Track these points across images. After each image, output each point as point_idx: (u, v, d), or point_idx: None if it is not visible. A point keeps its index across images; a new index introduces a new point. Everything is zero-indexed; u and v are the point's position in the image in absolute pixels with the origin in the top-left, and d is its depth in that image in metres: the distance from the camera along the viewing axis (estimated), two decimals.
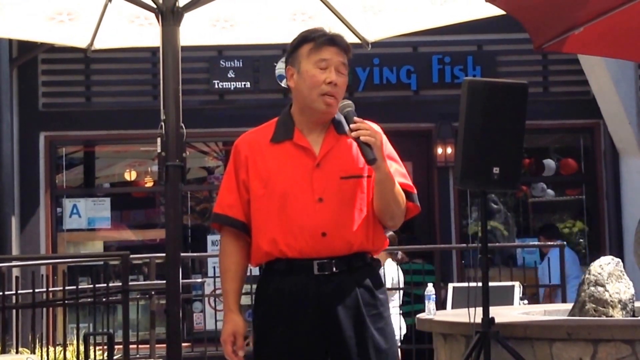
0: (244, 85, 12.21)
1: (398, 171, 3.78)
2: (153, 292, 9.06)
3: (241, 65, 12.19)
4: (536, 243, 12.09)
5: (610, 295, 5.75)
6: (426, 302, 6.47)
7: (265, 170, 3.74)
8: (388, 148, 3.81)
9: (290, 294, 3.67)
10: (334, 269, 3.66)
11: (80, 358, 6.78)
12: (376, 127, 3.77)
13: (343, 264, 3.68)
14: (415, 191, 3.82)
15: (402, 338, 9.66)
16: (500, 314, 5.53)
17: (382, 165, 3.64)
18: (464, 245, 11.65)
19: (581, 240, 13.00)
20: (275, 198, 3.70)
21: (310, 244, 3.65)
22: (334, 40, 3.77)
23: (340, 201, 3.69)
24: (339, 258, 3.67)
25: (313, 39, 3.78)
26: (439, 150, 12.23)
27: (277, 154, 3.75)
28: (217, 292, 9.86)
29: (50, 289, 7.45)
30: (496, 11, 5.23)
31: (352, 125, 3.64)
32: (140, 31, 5.91)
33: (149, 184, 13.08)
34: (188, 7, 5.06)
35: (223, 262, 3.82)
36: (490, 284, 5.34)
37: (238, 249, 3.80)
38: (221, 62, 12.18)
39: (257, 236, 3.75)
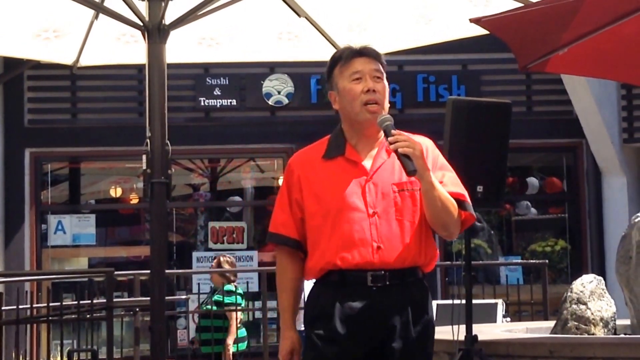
0: (230, 102, 12.22)
1: (451, 180, 3.81)
2: (137, 309, 9.05)
3: (227, 82, 12.20)
4: (519, 261, 12.12)
5: (592, 313, 5.78)
6: None
7: (318, 186, 3.78)
8: (440, 159, 3.85)
9: (343, 305, 3.69)
10: (387, 281, 3.69)
11: None
12: (422, 139, 3.83)
13: (396, 277, 3.71)
14: (468, 200, 3.83)
15: None
16: (483, 331, 5.55)
17: (425, 175, 3.66)
18: (448, 262, 11.68)
19: (563, 258, 13.05)
20: (329, 214, 3.74)
21: (365, 257, 3.69)
22: (360, 52, 3.83)
23: (394, 215, 3.72)
24: (392, 271, 3.70)
25: (340, 56, 3.86)
26: None
27: (330, 170, 3.79)
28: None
29: (34, 306, 7.43)
30: (481, 31, 5.26)
31: (390, 138, 3.67)
32: (127, 48, 5.92)
33: (134, 201, 13.08)
34: (174, 25, 5.08)
35: (279, 279, 3.87)
36: (474, 301, 5.37)
37: (293, 266, 3.84)
38: (207, 79, 12.20)
39: (312, 252, 3.79)
